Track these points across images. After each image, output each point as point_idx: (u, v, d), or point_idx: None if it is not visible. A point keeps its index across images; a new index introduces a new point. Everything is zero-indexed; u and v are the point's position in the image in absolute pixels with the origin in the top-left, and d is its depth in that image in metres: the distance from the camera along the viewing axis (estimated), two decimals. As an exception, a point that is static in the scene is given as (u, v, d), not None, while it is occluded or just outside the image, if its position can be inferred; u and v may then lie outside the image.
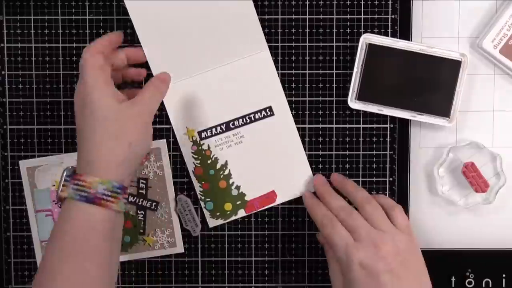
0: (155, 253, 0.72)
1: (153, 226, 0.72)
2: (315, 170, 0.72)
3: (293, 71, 0.72)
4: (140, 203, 0.71)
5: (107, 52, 0.64)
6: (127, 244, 0.71)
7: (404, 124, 0.72)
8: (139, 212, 0.71)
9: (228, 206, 0.72)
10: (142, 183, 0.71)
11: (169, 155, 0.72)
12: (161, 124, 0.71)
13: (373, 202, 0.65)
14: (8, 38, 0.71)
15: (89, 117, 0.60)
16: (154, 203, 0.71)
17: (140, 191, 0.71)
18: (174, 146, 0.72)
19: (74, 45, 0.71)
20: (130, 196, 0.71)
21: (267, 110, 0.71)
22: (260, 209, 0.72)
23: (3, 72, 0.72)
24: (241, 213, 0.72)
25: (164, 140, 0.72)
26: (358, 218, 0.64)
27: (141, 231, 0.72)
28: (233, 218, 0.72)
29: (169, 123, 0.71)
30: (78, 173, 0.60)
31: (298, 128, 0.72)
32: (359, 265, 0.61)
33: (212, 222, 0.72)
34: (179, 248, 0.72)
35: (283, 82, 0.72)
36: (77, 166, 0.61)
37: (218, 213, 0.72)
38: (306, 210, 0.69)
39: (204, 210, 0.72)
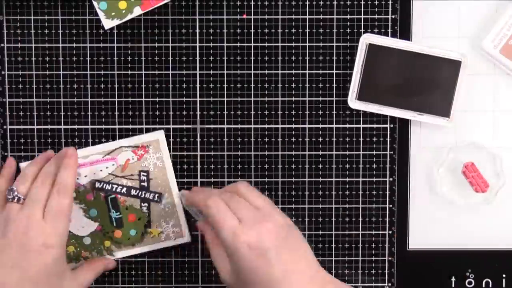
0: (162, 245, 0.72)
1: (158, 218, 0.71)
2: (315, 171, 0.72)
3: (293, 71, 0.72)
4: (143, 195, 0.71)
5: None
6: (134, 237, 0.71)
7: (404, 124, 0.72)
8: (142, 205, 0.71)
9: (122, 4, 0.69)
10: (143, 175, 0.71)
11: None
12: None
13: (229, 192, 0.65)
14: (8, 38, 0.71)
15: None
16: (157, 195, 0.71)
17: (142, 183, 0.71)
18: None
19: (74, 45, 0.71)
20: (132, 190, 0.71)
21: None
22: (155, 6, 0.70)
23: (3, 72, 0.72)
24: (137, 11, 0.70)
25: (162, 131, 0.71)
26: (241, 200, 0.63)
27: (146, 223, 0.72)
28: (129, 17, 0.69)
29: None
30: None
31: (297, 128, 0.72)
32: (247, 246, 0.60)
33: (107, 23, 0.69)
34: (186, 238, 0.72)
35: (283, 82, 0.72)
36: None
37: (113, 13, 0.69)
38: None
39: (98, 11, 0.69)
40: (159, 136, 0.71)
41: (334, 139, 0.72)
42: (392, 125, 0.72)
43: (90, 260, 0.71)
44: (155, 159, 0.71)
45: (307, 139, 0.72)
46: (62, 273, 0.65)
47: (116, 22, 0.69)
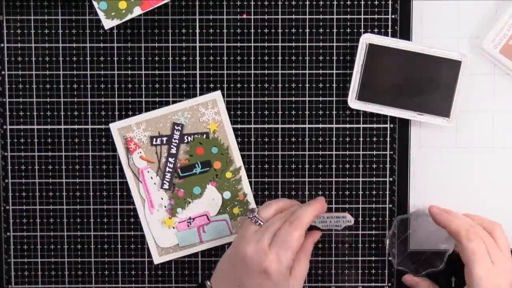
0: None
1: None
2: (315, 171, 0.72)
3: (293, 71, 0.72)
4: None
5: None
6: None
7: (404, 124, 0.72)
8: None
9: (122, 4, 0.69)
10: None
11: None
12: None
13: (477, 228, 0.67)
14: (8, 38, 0.71)
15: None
16: None
17: None
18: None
19: (74, 45, 0.72)
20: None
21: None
22: (155, 6, 0.69)
23: (3, 72, 0.72)
24: (137, 11, 0.69)
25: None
26: (495, 245, 0.66)
27: None
28: (129, 17, 0.69)
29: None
30: None
31: (297, 128, 0.72)
32: None
33: (107, 23, 0.69)
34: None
35: (283, 82, 0.72)
36: None
37: (113, 13, 0.69)
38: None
39: (98, 11, 0.69)
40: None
41: (334, 139, 0.72)
42: (392, 125, 0.72)
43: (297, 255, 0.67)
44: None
45: (307, 139, 0.72)
46: None
47: (116, 22, 0.69)
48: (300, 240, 0.64)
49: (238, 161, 0.72)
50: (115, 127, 0.71)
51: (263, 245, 0.63)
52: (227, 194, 0.72)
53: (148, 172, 0.72)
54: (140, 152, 0.71)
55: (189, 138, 0.71)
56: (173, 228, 0.72)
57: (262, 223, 0.65)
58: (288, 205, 0.67)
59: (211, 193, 0.72)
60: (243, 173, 0.72)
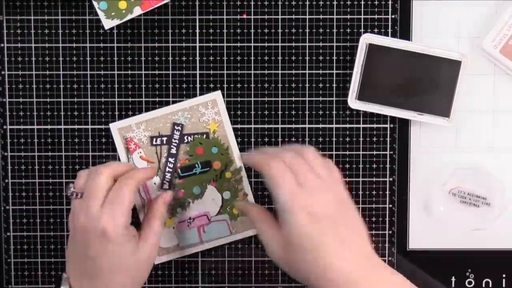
0: None
1: None
2: (315, 170, 0.72)
3: (293, 71, 0.72)
4: None
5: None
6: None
7: (404, 124, 0.72)
8: None
9: (122, 4, 0.69)
10: None
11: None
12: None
13: (282, 155, 0.63)
14: (8, 38, 0.71)
15: (108, 257, 0.62)
16: None
17: None
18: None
19: (74, 45, 0.71)
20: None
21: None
22: (155, 6, 0.69)
23: (3, 72, 0.72)
24: (137, 11, 0.69)
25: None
26: (304, 164, 0.61)
27: None
28: (129, 17, 0.69)
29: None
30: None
31: (297, 128, 0.72)
32: (304, 212, 0.58)
33: (107, 23, 0.69)
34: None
35: (283, 82, 0.72)
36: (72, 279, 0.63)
37: (113, 13, 0.69)
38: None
39: (98, 11, 0.68)
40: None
41: (334, 139, 0.72)
42: (392, 125, 0.72)
43: (147, 212, 0.68)
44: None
45: (307, 139, 0.72)
46: (130, 248, 0.63)
47: (116, 22, 0.69)
48: (131, 195, 0.62)
49: (238, 161, 0.72)
50: (115, 127, 0.71)
51: (92, 210, 0.61)
52: (227, 194, 0.72)
53: None
54: (140, 152, 0.71)
55: (189, 138, 0.71)
56: (173, 228, 0.72)
57: (81, 194, 0.63)
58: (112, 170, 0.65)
59: (211, 193, 0.72)
60: (243, 173, 0.72)
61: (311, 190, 0.59)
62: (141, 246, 0.64)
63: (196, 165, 0.71)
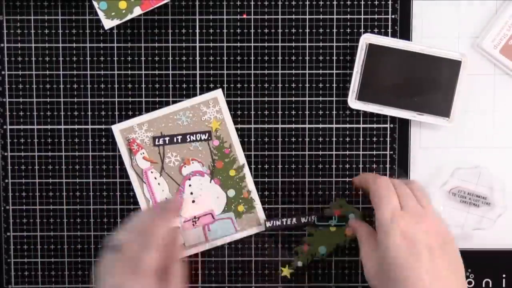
0: None
1: None
2: (315, 170, 0.72)
3: (293, 71, 0.72)
4: None
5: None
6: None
7: (404, 124, 0.72)
8: None
9: (122, 4, 0.69)
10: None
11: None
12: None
13: (406, 185, 0.64)
14: (8, 38, 0.71)
15: None
16: None
17: None
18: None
19: (74, 45, 0.71)
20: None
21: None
22: (155, 6, 0.69)
23: (3, 72, 0.72)
24: (137, 11, 0.69)
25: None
26: (408, 190, 0.62)
27: None
28: (129, 17, 0.69)
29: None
30: None
31: (297, 128, 0.72)
32: (400, 233, 0.58)
33: (107, 23, 0.69)
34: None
35: (283, 82, 0.72)
36: None
37: (113, 13, 0.69)
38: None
39: (98, 11, 0.68)
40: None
41: (334, 139, 0.72)
42: (392, 125, 0.72)
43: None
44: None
45: (307, 139, 0.72)
46: None
47: (116, 22, 0.69)
48: (151, 260, 0.60)
49: (241, 159, 0.72)
50: (117, 129, 0.71)
51: (126, 277, 0.59)
52: (231, 192, 0.72)
53: (151, 172, 0.72)
54: (143, 153, 0.71)
55: (191, 137, 0.71)
56: (179, 228, 0.72)
57: (119, 249, 0.61)
58: (146, 217, 0.64)
59: (215, 191, 0.72)
60: (246, 170, 0.72)
61: (413, 216, 0.60)
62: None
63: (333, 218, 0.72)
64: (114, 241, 0.62)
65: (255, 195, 0.72)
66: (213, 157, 0.71)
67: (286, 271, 0.73)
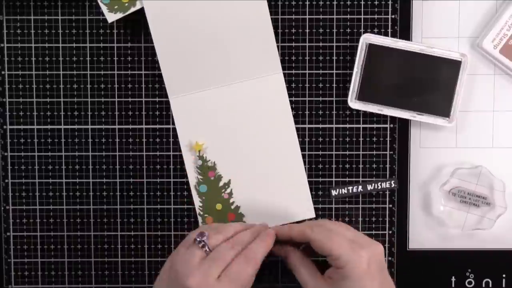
0: None
1: None
2: (315, 171, 0.72)
3: (293, 71, 0.72)
4: None
5: None
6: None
7: (404, 124, 0.72)
8: None
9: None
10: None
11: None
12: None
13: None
14: (8, 38, 0.71)
15: None
16: None
17: None
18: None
19: (74, 45, 0.71)
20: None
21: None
22: None
23: (3, 72, 0.72)
24: (140, 4, 0.69)
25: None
26: (340, 229, 0.64)
27: None
28: (132, 10, 0.69)
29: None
30: None
31: (297, 128, 0.72)
32: (365, 260, 0.61)
33: (110, 17, 0.69)
34: None
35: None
36: None
37: (115, 6, 0.68)
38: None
39: (101, 4, 0.68)
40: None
41: (334, 139, 0.72)
42: (392, 125, 0.72)
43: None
44: None
45: (307, 139, 0.72)
46: None
47: (119, 15, 0.69)
48: (252, 279, 0.61)
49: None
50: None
51: (210, 280, 0.59)
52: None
53: None
54: None
55: None
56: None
57: (208, 250, 0.61)
58: (238, 230, 0.64)
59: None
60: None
61: (362, 244, 0.62)
62: None
63: None
64: (204, 239, 0.61)
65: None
66: None
67: None
